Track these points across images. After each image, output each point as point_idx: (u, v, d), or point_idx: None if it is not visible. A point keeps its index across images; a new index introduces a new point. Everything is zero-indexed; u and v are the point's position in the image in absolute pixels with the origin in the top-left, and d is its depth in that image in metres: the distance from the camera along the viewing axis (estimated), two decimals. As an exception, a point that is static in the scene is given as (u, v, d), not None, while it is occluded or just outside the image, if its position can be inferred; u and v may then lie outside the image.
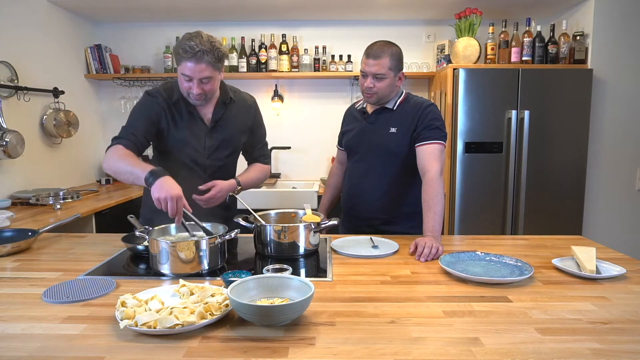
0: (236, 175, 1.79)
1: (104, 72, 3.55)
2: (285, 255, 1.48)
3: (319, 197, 3.16)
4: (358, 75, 2.47)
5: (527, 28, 3.13)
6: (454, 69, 3.01)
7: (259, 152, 1.89)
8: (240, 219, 1.56)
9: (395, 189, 1.79)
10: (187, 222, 1.41)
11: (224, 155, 1.76)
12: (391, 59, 1.67)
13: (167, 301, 1.05)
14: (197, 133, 1.70)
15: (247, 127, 1.81)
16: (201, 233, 1.44)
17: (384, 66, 1.66)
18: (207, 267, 1.31)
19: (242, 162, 1.92)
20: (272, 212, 1.67)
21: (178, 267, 1.27)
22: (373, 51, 1.68)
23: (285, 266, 1.27)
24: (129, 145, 1.57)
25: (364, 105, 1.86)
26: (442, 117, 1.76)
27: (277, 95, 3.65)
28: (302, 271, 1.37)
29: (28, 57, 2.86)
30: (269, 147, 2.21)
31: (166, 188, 1.34)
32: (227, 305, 1.01)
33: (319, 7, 3.29)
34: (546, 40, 3.15)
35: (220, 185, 1.64)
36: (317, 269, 1.39)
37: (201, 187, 1.61)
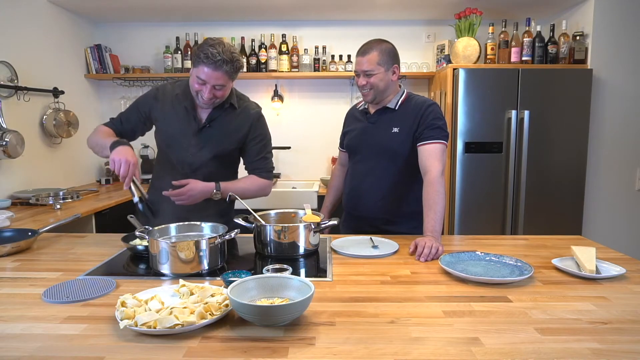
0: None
1: (104, 72, 3.55)
2: (285, 255, 1.48)
3: (319, 197, 3.17)
4: (358, 75, 2.46)
5: (527, 28, 3.13)
6: (454, 69, 3.01)
7: (256, 164, 1.82)
8: (240, 219, 1.56)
9: (397, 189, 1.79)
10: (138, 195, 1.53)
11: (208, 157, 1.73)
12: (380, 54, 1.69)
13: (167, 301, 1.05)
14: (186, 131, 1.72)
15: (240, 135, 1.77)
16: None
17: (372, 62, 1.69)
18: (207, 267, 1.31)
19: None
20: (272, 212, 1.67)
21: (178, 267, 1.27)
22: (362, 49, 1.73)
23: (285, 266, 1.27)
24: (111, 128, 1.76)
25: (366, 106, 1.86)
26: (443, 116, 1.76)
27: (277, 95, 3.66)
28: (302, 271, 1.37)
29: (28, 57, 2.86)
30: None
31: (123, 153, 1.49)
32: (227, 305, 1.01)
33: (319, 7, 3.29)
34: (546, 40, 3.15)
35: (194, 185, 1.61)
36: (317, 269, 1.39)
37: (175, 183, 1.61)
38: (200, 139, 1.73)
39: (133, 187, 1.50)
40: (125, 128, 1.77)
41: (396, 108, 1.77)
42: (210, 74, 1.56)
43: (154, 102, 1.76)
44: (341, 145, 2.01)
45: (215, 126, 1.74)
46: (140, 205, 1.53)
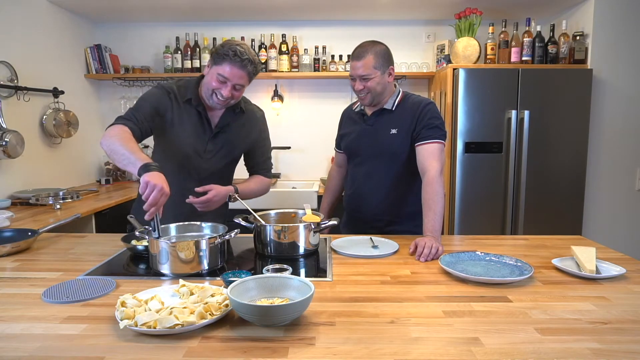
0: (233, 183, 1.78)
1: (103, 72, 3.55)
2: (285, 255, 1.48)
3: (319, 197, 3.16)
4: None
5: (527, 28, 3.13)
6: (454, 69, 3.01)
7: (260, 165, 1.88)
8: (240, 219, 1.56)
9: (399, 190, 1.79)
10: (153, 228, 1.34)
11: (222, 162, 1.75)
12: (375, 58, 1.66)
13: (167, 301, 1.05)
14: (200, 135, 1.69)
15: (250, 139, 1.80)
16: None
17: (368, 66, 1.66)
18: (207, 267, 1.31)
19: (241, 172, 1.92)
20: (272, 212, 1.67)
21: (178, 267, 1.27)
22: (355, 53, 1.69)
23: (285, 266, 1.27)
24: (133, 129, 1.53)
25: (362, 108, 1.85)
26: (441, 115, 1.75)
27: (277, 95, 3.66)
28: (302, 271, 1.37)
29: (28, 57, 2.86)
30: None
31: (160, 180, 1.29)
32: (227, 305, 1.01)
33: (319, 7, 3.29)
34: (546, 40, 3.15)
35: (218, 189, 1.61)
36: (317, 269, 1.39)
37: (198, 189, 1.58)
38: (215, 144, 1.72)
39: (156, 220, 1.32)
40: (145, 128, 1.60)
41: (393, 109, 1.77)
42: (235, 72, 1.55)
43: (168, 103, 1.66)
44: (337, 146, 2.00)
45: (228, 131, 1.74)
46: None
